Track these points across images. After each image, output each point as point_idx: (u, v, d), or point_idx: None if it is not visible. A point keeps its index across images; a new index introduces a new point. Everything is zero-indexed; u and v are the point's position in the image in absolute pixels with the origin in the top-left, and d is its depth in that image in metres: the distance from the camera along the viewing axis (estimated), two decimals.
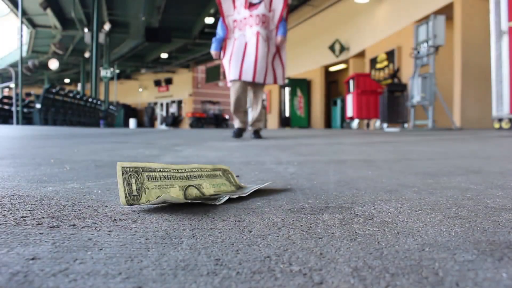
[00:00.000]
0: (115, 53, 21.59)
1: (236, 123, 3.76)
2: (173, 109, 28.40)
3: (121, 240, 0.40)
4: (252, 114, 3.78)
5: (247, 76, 3.55)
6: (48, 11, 14.55)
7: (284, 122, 14.30)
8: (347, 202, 0.61)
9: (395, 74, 8.65)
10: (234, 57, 3.59)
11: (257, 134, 3.74)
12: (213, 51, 3.77)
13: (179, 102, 28.05)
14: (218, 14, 3.67)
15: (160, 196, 0.55)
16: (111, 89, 25.42)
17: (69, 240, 0.40)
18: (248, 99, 3.91)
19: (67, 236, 0.42)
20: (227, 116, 25.88)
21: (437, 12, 8.00)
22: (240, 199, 0.64)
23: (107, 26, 15.72)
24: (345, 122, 11.23)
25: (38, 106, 11.09)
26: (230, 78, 3.61)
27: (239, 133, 3.67)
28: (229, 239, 0.41)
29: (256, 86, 3.79)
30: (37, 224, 0.47)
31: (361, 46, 11.82)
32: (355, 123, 9.97)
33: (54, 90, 12.09)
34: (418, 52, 6.64)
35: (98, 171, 1.00)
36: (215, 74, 24.93)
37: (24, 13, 13.78)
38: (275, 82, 3.79)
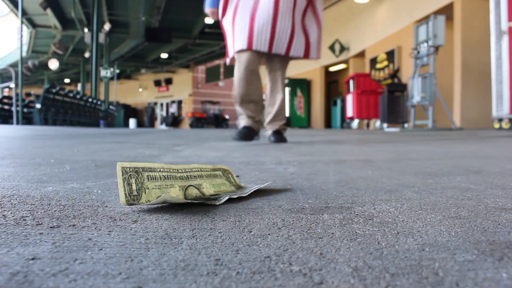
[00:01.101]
0: (115, 53, 21.59)
1: (243, 120, 2.47)
2: (173, 109, 28.40)
3: (121, 240, 0.40)
4: (267, 108, 2.59)
5: (261, 44, 2.32)
6: (48, 11, 14.55)
7: None
8: (347, 202, 0.61)
9: (395, 74, 8.65)
10: (239, 15, 2.37)
11: (278, 135, 2.47)
12: (208, 8, 2.57)
13: (179, 102, 28.05)
14: None
15: (160, 196, 0.55)
16: (111, 89, 25.43)
17: (69, 240, 0.40)
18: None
19: (67, 236, 0.42)
20: (227, 116, 25.87)
21: (437, 12, 8.00)
22: (240, 199, 0.64)
23: (107, 26, 15.72)
24: (345, 122, 11.23)
25: (38, 106, 11.09)
26: (235, 47, 2.41)
27: (246, 134, 2.37)
28: (229, 239, 0.41)
29: (273, 60, 2.50)
30: (37, 224, 0.47)
31: (361, 46, 11.82)
32: (355, 123, 9.97)
33: (54, 90, 12.09)
34: (418, 52, 6.64)
35: (98, 171, 1.00)
36: (215, 74, 24.94)
37: (24, 13, 13.78)
38: (306, 55, 2.45)
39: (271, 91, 2.55)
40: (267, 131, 2.57)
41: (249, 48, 2.33)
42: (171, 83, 27.92)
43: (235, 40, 2.40)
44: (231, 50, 2.48)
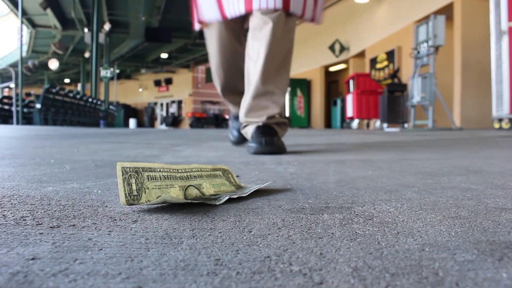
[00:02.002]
0: (115, 53, 21.59)
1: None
2: (173, 109, 28.41)
3: (121, 240, 0.40)
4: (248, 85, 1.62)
5: (234, 8, 1.54)
6: (48, 11, 14.55)
7: None
8: (347, 202, 0.61)
9: (395, 74, 8.65)
10: None
11: (266, 135, 1.50)
12: None
13: (179, 102, 28.05)
14: None
15: (160, 196, 0.55)
16: (111, 89, 25.42)
17: (69, 240, 0.40)
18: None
19: (67, 236, 0.42)
20: (227, 116, 25.87)
21: (437, 12, 8.00)
22: (240, 199, 0.64)
23: (107, 26, 15.73)
24: (345, 122, 11.23)
25: (38, 106, 11.10)
26: (200, 16, 1.71)
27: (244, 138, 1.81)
28: (229, 239, 0.41)
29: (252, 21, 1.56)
30: (37, 224, 0.47)
31: (361, 46, 11.82)
32: (355, 123, 9.96)
33: (54, 90, 12.10)
34: (418, 52, 6.64)
35: (98, 171, 1.00)
36: None
37: (24, 13, 13.78)
38: (313, 18, 1.65)
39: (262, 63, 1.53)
40: (246, 127, 1.62)
41: (224, 18, 1.62)
42: (171, 83, 27.92)
43: (200, 5, 1.69)
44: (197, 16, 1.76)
